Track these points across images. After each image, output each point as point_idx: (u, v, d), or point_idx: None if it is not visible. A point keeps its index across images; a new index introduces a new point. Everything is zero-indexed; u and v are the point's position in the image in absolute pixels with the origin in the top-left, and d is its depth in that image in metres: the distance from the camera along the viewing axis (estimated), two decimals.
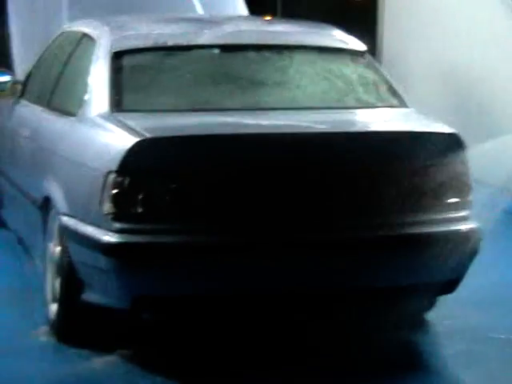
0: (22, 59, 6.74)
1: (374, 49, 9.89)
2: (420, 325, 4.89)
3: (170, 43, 4.98)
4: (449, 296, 4.65)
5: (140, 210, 4.09)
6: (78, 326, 4.53)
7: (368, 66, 5.19)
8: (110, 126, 4.43)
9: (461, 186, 4.41)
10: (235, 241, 4.16)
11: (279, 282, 4.25)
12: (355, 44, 5.31)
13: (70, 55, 5.36)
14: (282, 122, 4.43)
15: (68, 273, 4.44)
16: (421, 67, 9.19)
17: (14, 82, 6.29)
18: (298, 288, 4.30)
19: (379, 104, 4.90)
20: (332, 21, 5.98)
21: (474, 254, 4.41)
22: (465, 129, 5.58)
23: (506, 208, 6.73)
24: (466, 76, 7.97)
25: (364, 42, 5.52)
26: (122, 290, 4.19)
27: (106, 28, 5.20)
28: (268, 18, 6.64)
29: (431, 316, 4.94)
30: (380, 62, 9.71)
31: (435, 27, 8.87)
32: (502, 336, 4.75)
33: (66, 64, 5.35)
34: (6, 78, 6.37)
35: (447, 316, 4.97)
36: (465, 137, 4.49)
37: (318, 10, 10.55)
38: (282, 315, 4.63)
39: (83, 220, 4.31)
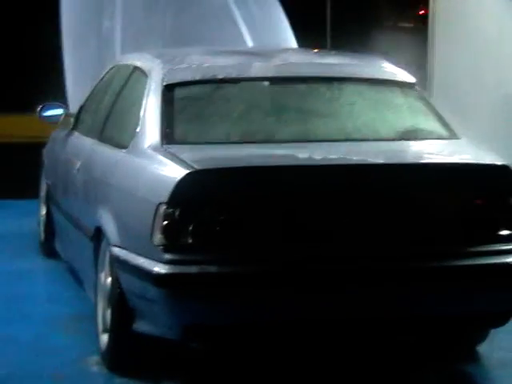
0: (76, 92, 6.86)
1: (424, 80, 9.88)
2: (473, 356, 4.85)
3: (221, 76, 5.02)
4: (503, 328, 4.59)
5: (190, 240, 4.12)
6: (128, 355, 4.56)
7: (418, 97, 5.19)
8: (160, 157, 4.47)
9: None
10: (286, 271, 4.16)
11: (331, 310, 4.24)
12: (405, 76, 5.32)
13: (122, 88, 5.44)
14: (331, 154, 4.43)
15: (119, 303, 4.47)
16: (472, 99, 9.13)
17: (67, 115, 6.41)
18: (353, 316, 4.29)
19: (430, 135, 4.90)
20: (382, 53, 6.00)
21: None
22: None
23: None
24: None
25: (414, 74, 5.52)
26: (172, 320, 4.21)
27: (158, 61, 5.27)
28: (317, 50, 6.67)
29: (484, 348, 4.88)
30: (431, 93, 9.70)
31: (487, 58, 8.81)
32: None
33: (117, 97, 5.43)
34: (59, 111, 6.49)
35: (501, 348, 4.93)
36: None
37: (367, 42, 10.57)
38: (335, 344, 4.63)
39: (134, 251, 4.35)
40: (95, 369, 4.66)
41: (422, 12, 10.23)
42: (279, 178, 4.23)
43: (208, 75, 5.02)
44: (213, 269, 4.10)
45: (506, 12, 8.09)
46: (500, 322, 4.52)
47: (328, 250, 4.21)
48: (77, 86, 6.96)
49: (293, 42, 7.36)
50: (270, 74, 5.16)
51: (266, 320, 4.24)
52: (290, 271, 4.17)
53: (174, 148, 4.51)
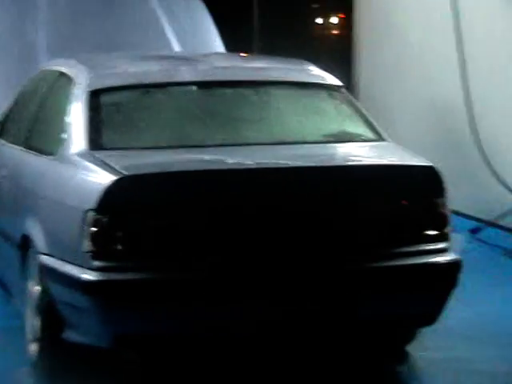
0: None
1: (350, 84, 9.97)
2: (401, 356, 4.89)
3: (147, 81, 5.01)
4: (431, 328, 4.65)
5: (119, 247, 4.09)
6: (58, 365, 4.50)
7: (345, 100, 5.23)
8: (88, 164, 4.43)
9: (439, 218, 4.44)
10: (215, 277, 4.15)
11: (262, 317, 4.24)
12: (331, 79, 5.36)
13: (48, 95, 5.37)
14: (260, 157, 4.45)
15: (48, 312, 4.42)
16: (398, 101, 9.25)
17: None
18: (283, 321, 4.29)
19: (357, 138, 4.94)
20: (309, 57, 6.04)
21: (453, 285, 4.42)
22: (443, 161, 5.63)
23: (484, 239, 6.77)
24: (443, 109, 8.02)
25: (341, 77, 5.58)
26: (102, 329, 4.17)
27: (83, 67, 5.22)
28: (245, 54, 6.68)
29: (413, 348, 4.93)
30: (357, 96, 9.80)
31: (412, 61, 8.94)
32: (484, 368, 4.75)
33: (43, 103, 5.36)
34: None
35: (429, 348, 4.98)
36: (443, 169, 4.53)
37: (294, 47, 10.63)
38: (261, 351, 4.64)
39: (63, 259, 4.30)
40: (25, 379, 4.59)
41: (342, 16, 10.32)
42: (208, 183, 4.23)
43: (134, 80, 5.00)
44: (142, 276, 4.08)
45: (430, 16, 8.21)
46: (428, 321, 4.57)
47: (259, 255, 4.22)
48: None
49: (220, 47, 7.37)
50: (197, 79, 5.15)
51: (196, 328, 4.22)
52: (220, 278, 4.16)
53: (101, 154, 4.47)
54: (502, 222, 7.36)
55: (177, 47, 7.03)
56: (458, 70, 7.80)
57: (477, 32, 7.75)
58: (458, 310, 5.08)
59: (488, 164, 7.44)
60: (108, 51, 6.46)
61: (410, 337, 4.88)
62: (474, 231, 7.21)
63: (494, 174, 7.38)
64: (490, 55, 7.64)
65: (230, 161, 4.39)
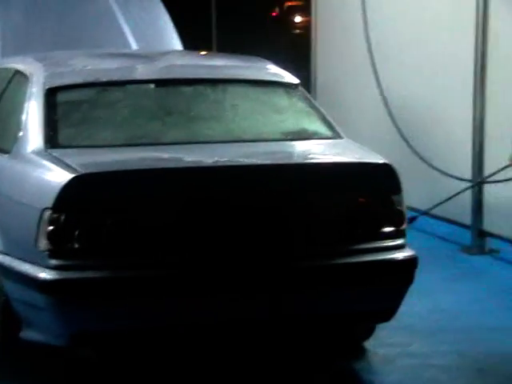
0: None
1: (308, 82, 10.01)
2: (359, 353, 4.92)
3: (105, 79, 4.99)
4: (388, 324, 4.68)
5: (76, 245, 4.08)
6: (15, 364, 4.47)
7: (301, 98, 5.26)
8: (44, 162, 4.41)
9: (395, 215, 4.47)
10: (171, 274, 4.15)
11: (218, 312, 4.25)
12: (288, 77, 5.39)
13: (3, 92, 5.33)
14: (217, 155, 4.44)
15: (4, 310, 4.39)
16: (355, 100, 9.29)
17: None
18: (242, 318, 4.30)
19: (313, 135, 4.96)
20: (267, 55, 6.06)
21: (409, 281, 4.45)
22: (399, 158, 5.69)
23: (439, 234, 6.84)
24: (400, 106, 8.08)
25: (299, 75, 5.60)
26: (59, 328, 4.15)
27: (39, 64, 5.19)
28: (203, 52, 6.68)
29: (370, 344, 4.98)
30: (315, 94, 9.84)
31: (368, 60, 8.98)
32: (439, 363, 4.79)
33: None
34: None
35: (386, 344, 5.01)
36: (399, 166, 4.56)
37: (252, 45, 10.66)
38: (221, 344, 4.65)
39: (19, 257, 4.27)
40: None
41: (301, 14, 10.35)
42: (165, 181, 4.22)
43: (91, 78, 4.98)
44: (99, 274, 4.07)
45: (386, 15, 8.27)
46: (385, 318, 4.60)
47: (216, 253, 4.22)
48: None
49: (178, 45, 7.35)
50: (154, 77, 5.14)
51: (154, 324, 4.22)
52: (176, 275, 4.16)
53: (58, 152, 4.45)
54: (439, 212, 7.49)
55: (134, 45, 7.00)
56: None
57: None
58: (412, 305, 5.15)
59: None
60: (64, 49, 6.41)
61: (367, 333, 4.93)
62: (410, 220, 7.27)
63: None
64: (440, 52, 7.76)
65: (188, 159, 4.39)
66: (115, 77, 5.06)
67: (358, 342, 4.99)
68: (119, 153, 4.51)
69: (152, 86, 5.14)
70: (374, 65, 8.53)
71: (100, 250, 4.10)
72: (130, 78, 5.07)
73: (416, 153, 7.56)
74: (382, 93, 8.42)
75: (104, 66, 5.28)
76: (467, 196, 7.05)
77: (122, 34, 7.08)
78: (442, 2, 7.67)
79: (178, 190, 4.22)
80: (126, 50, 6.71)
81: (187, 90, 5.14)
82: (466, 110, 7.14)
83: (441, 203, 7.01)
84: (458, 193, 7.00)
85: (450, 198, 7.11)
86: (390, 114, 8.26)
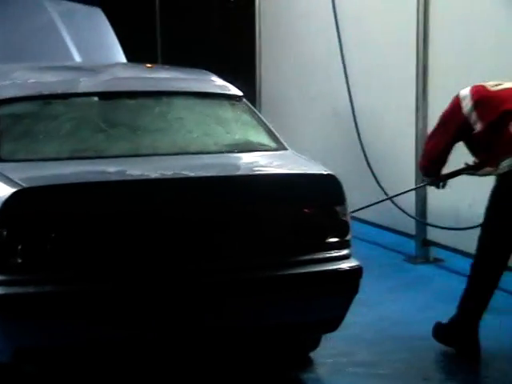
0: None
1: (253, 94, 10.04)
2: (306, 363, 4.93)
3: (48, 92, 4.96)
4: (334, 333, 4.70)
5: (19, 260, 4.03)
6: None
7: (246, 110, 5.29)
8: None
9: (340, 226, 4.49)
10: (111, 288, 4.11)
11: (162, 327, 4.23)
12: (232, 89, 5.41)
13: None
14: (161, 168, 4.43)
15: None
16: (301, 111, 9.35)
17: None
18: (188, 329, 4.29)
19: (258, 147, 4.98)
20: (212, 67, 6.08)
21: (354, 291, 4.48)
22: (345, 169, 5.73)
23: (384, 244, 6.90)
24: (347, 118, 8.14)
25: (245, 87, 5.63)
26: (2, 343, 4.10)
27: None
28: (147, 64, 6.67)
29: (317, 354, 4.99)
30: (260, 106, 9.88)
31: (315, 71, 9.05)
32: (386, 372, 4.83)
33: None
34: None
35: (334, 354, 5.03)
36: (345, 177, 4.60)
37: (197, 57, 10.66)
38: (161, 357, 4.63)
39: None
40: None
41: (246, 26, 10.39)
42: (108, 194, 4.19)
43: (34, 91, 4.95)
44: (41, 289, 4.02)
45: (331, 26, 8.33)
46: (331, 328, 4.62)
47: (160, 266, 4.18)
48: None
49: (121, 58, 7.33)
50: (98, 89, 5.13)
51: (101, 339, 4.18)
52: (117, 290, 4.12)
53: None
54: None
55: (77, 57, 6.96)
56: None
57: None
58: (358, 315, 5.18)
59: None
60: (7, 62, 6.35)
61: (313, 344, 4.94)
62: None
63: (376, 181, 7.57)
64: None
65: (132, 172, 4.36)
66: (58, 90, 5.03)
67: (304, 353, 5.01)
68: (62, 166, 4.47)
69: (96, 98, 5.12)
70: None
71: (43, 265, 4.05)
72: (73, 91, 5.04)
73: (368, 165, 7.63)
74: (329, 104, 8.51)
75: (47, 78, 5.24)
76: (411, 206, 7.12)
77: (65, 46, 7.03)
78: (384, 13, 7.77)
79: (122, 203, 4.19)
80: (69, 63, 6.66)
81: (131, 102, 5.13)
82: (410, 121, 7.23)
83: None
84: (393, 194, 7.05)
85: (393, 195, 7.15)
86: (338, 127, 8.33)
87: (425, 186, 5.99)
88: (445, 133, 5.15)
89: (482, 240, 5.03)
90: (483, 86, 5.12)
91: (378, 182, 7.52)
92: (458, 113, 5.05)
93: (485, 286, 5.00)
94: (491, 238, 4.99)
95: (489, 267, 5.00)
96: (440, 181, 5.51)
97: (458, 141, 5.14)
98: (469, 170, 5.41)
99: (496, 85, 5.10)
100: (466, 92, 5.09)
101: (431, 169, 5.39)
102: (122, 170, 4.36)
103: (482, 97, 5.02)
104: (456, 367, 4.92)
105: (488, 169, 5.16)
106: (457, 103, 5.09)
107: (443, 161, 5.27)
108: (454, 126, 5.09)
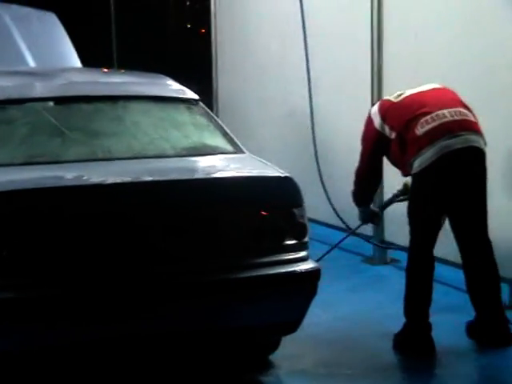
0: None
1: (211, 96, 10.05)
2: (264, 366, 4.94)
3: (2, 97, 4.92)
4: (294, 335, 4.72)
5: None
6: None
7: (202, 113, 5.30)
8: None
9: (297, 228, 4.51)
10: (69, 294, 4.09)
11: (118, 329, 4.23)
12: (189, 93, 5.42)
13: None
14: (118, 172, 4.42)
15: None
16: (259, 115, 9.36)
17: None
18: (147, 333, 4.28)
19: (215, 151, 4.99)
20: (168, 71, 6.08)
21: (313, 293, 4.50)
22: (303, 172, 5.76)
23: (342, 246, 6.93)
24: (305, 120, 8.16)
25: (201, 90, 5.63)
26: None
27: None
28: (103, 69, 6.65)
29: (277, 356, 5.00)
30: (217, 110, 9.88)
31: (272, 75, 9.06)
32: (347, 371, 4.86)
33: None
34: None
35: (293, 355, 5.05)
36: (302, 179, 4.62)
37: (153, 61, 10.64)
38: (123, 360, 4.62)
39: None
40: None
41: (203, 31, 10.40)
42: (64, 199, 4.17)
43: None
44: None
45: (288, 28, 8.36)
46: (290, 329, 4.64)
47: (116, 270, 4.18)
48: None
49: (76, 62, 7.28)
50: (54, 94, 5.10)
51: (55, 343, 4.17)
52: (74, 295, 4.10)
53: None
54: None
55: (32, 63, 6.90)
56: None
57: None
58: (317, 315, 5.21)
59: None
60: None
61: (273, 345, 4.96)
62: None
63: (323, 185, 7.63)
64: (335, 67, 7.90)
65: (88, 176, 4.34)
66: (13, 95, 4.99)
67: (264, 355, 5.02)
68: (17, 172, 4.44)
69: (51, 103, 5.09)
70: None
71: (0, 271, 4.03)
72: (28, 96, 5.01)
73: (319, 169, 7.67)
74: (287, 108, 8.53)
75: (1, 83, 5.20)
76: None
77: (19, 51, 6.97)
78: (339, 15, 7.82)
79: (79, 208, 4.17)
80: (24, 68, 6.61)
81: (87, 107, 5.11)
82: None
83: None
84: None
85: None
86: (295, 128, 8.35)
87: (362, 225, 6.08)
88: (364, 151, 5.35)
89: (410, 235, 5.19)
90: (387, 100, 5.36)
91: (323, 186, 7.56)
92: (372, 129, 5.25)
93: (422, 281, 5.16)
94: (415, 231, 5.14)
95: (420, 263, 5.16)
96: (373, 215, 5.70)
97: (378, 154, 5.30)
98: (398, 196, 5.64)
99: (398, 95, 5.29)
100: (374, 110, 5.32)
101: (362, 195, 5.53)
102: (78, 175, 4.34)
103: (387, 109, 5.22)
104: (414, 365, 4.96)
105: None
106: (370, 121, 5.31)
107: (371, 182, 5.47)
108: (370, 140, 5.29)
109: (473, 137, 5.01)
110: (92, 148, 4.79)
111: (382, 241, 7.28)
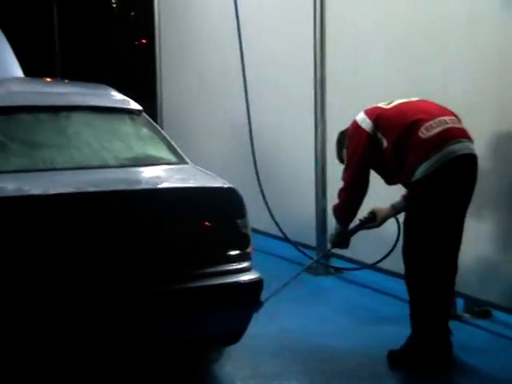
0: None
1: (155, 108, 10.04)
2: (206, 376, 4.92)
3: None
4: (236, 346, 4.72)
5: None
6: None
7: (145, 124, 5.29)
8: None
9: (240, 238, 4.53)
10: (22, 303, 4.06)
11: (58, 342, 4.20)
12: (132, 104, 5.41)
13: None
14: (60, 183, 4.38)
15: None
16: (202, 126, 9.37)
17: None
18: (89, 345, 4.25)
19: (158, 161, 4.99)
20: (112, 82, 6.06)
21: (256, 303, 4.51)
22: (245, 182, 5.76)
23: (287, 257, 6.95)
24: (245, 133, 8.19)
25: (146, 102, 5.62)
26: None
27: None
28: (46, 79, 6.60)
29: (219, 367, 5.00)
30: (161, 120, 9.87)
31: (214, 87, 9.08)
32: (285, 382, 4.85)
33: None
34: None
35: (235, 367, 5.03)
36: (245, 190, 4.63)
37: (97, 71, 10.60)
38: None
39: None
40: None
41: (144, 41, 10.39)
42: (4, 210, 4.11)
43: None
44: None
45: (228, 40, 8.38)
46: (232, 340, 4.65)
47: (62, 280, 4.14)
48: None
49: (18, 72, 7.22)
50: None
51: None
52: (27, 305, 4.06)
53: None
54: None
55: None
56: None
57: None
58: (260, 327, 5.20)
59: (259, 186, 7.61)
60: None
61: (214, 356, 4.95)
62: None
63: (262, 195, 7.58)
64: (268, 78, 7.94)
65: (30, 187, 4.28)
66: None
67: (206, 365, 5.00)
68: None
69: None
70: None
71: None
72: None
73: (259, 179, 7.66)
74: (229, 119, 8.55)
75: None
76: (311, 218, 7.21)
77: None
78: (283, 30, 7.87)
79: (19, 220, 4.12)
80: None
81: (29, 117, 5.06)
82: (309, 135, 7.32)
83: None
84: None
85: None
86: (236, 139, 8.37)
87: (330, 250, 5.92)
88: (354, 159, 5.11)
89: (411, 253, 4.99)
90: (376, 106, 5.18)
91: (264, 199, 7.52)
92: (363, 132, 5.05)
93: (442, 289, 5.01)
94: (422, 246, 4.95)
95: (427, 278, 4.96)
96: (347, 238, 5.49)
97: (368, 161, 5.10)
98: (366, 223, 5.48)
99: (388, 103, 5.16)
100: (361, 116, 5.13)
101: (350, 209, 5.29)
102: (19, 186, 4.28)
103: (378, 115, 5.06)
104: (356, 377, 4.99)
105: (385, 212, 5.37)
106: (357, 126, 5.11)
107: (360, 194, 5.21)
108: (361, 145, 5.06)
109: (470, 144, 4.98)
110: (34, 158, 4.75)
111: (326, 253, 7.32)
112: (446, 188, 4.92)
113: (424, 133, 4.90)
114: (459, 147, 4.90)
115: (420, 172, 4.88)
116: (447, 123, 4.96)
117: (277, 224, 7.36)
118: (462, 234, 5.07)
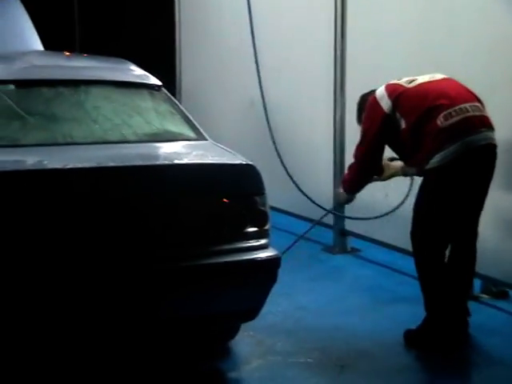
0: None
1: (174, 84, 10.02)
2: (222, 353, 4.95)
3: None
4: (252, 323, 4.74)
5: None
6: None
7: (165, 99, 5.27)
8: None
9: (258, 216, 4.52)
10: (23, 282, 4.04)
11: (87, 316, 4.20)
12: (151, 79, 5.39)
13: None
14: (79, 157, 4.37)
15: None
16: (220, 103, 9.36)
17: None
18: (111, 321, 4.26)
19: (177, 137, 4.97)
20: (131, 57, 6.04)
21: (272, 281, 4.51)
22: (263, 159, 5.75)
23: (301, 234, 6.95)
24: (261, 110, 8.18)
25: (165, 77, 5.61)
26: None
27: None
28: (65, 53, 6.59)
29: (235, 343, 5.02)
30: (180, 96, 9.86)
31: (231, 64, 9.06)
32: (304, 360, 4.88)
33: None
34: None
35: (251, 343, 5.07)
36: (262, 167, 4.62)
37: (116, 46, 10.57)
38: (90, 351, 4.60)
39: None
40: None
41: (167, 17, 10.35)
42: (24, 183, 4.11)
43: None
44: None
45: (245, 21, 8.36)
46: (249, 317, 4.65)
47: (74, 257, 4.12)
48: None
49: (38, 45, 7.21)
50: (15, 77, 5.05)
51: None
52: (28, 283, 4.03)
53: None
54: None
55: None
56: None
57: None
58: (277, 304, 5.22)
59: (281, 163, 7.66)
60: None
61: (231, 333, 4.97)
62: None
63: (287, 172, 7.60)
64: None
65: (48, 161, 4.27)
66: None
67: (223, 342, 5.03)
68: None
69: (12, 86, 5.03)
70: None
71: None
72: None
73: (280, 157, 7.68)
74: (248, 95, 8.53)
75: None
76: (329, 197, 7.20)
77: None
78: (299, 7, 7.83)
79: (39, 193, 4.11)
80: None
81: (48, 91, 5.05)
82: (328, 113, 7.30)
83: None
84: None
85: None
86: (256, 118, 8.36)
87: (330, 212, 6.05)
88: (369, 134, 5.09)
89: (419, 235, 5.01)
90: (397, 84, 5.11)
91: (287, 173, 7.54)
92: (380, 111, 5.01)
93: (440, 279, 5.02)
94: (430, 230, 4.97)
95: (433, 260, 4.99)
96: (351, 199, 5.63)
97: (383, 139, 5.09)
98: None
99: (410, 81, 5.09)
100: (381, 92, 5.08)
101: (360, 182, 5.37)
102: (38, 160, 4.27)
103: (399, 94, 5.00)
104: (371, 356, 4.99)
105: (393, 170, 5.33)
106: (375, 103, 5.07)
107: (373, 169, 5.25)
108: (376, 124, 5.03)
109: (490, 133, 4.91)
110: (53, 133, 4.74)
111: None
112: (459, 181, 4.89)
113: (442, 121, 4.83)
114: (477, 138, 4.84)
115: (434, 161, 4.84)
116: (467, 111, 4.88)
117: (293, 181, 7.41)
118: (478, 223, 5.06)
